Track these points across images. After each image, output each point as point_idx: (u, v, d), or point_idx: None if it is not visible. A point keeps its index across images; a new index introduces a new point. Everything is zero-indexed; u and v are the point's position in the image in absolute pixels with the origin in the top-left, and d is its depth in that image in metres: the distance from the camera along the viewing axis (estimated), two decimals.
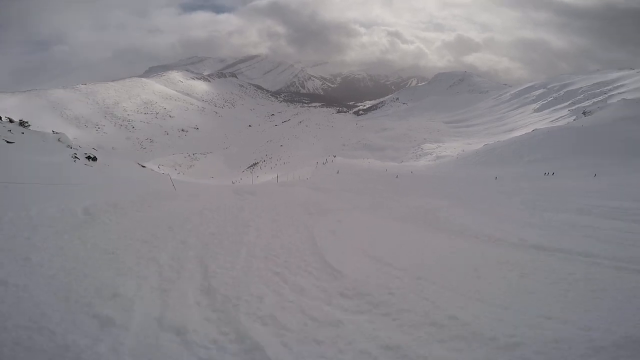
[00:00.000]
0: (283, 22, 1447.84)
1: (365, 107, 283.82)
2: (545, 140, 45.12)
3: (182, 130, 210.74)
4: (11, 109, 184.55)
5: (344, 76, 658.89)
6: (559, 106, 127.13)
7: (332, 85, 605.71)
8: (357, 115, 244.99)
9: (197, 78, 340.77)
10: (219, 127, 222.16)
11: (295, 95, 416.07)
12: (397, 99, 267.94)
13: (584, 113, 77.92)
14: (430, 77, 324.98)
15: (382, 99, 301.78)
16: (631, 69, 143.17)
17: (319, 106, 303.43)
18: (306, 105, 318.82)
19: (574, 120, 75.66)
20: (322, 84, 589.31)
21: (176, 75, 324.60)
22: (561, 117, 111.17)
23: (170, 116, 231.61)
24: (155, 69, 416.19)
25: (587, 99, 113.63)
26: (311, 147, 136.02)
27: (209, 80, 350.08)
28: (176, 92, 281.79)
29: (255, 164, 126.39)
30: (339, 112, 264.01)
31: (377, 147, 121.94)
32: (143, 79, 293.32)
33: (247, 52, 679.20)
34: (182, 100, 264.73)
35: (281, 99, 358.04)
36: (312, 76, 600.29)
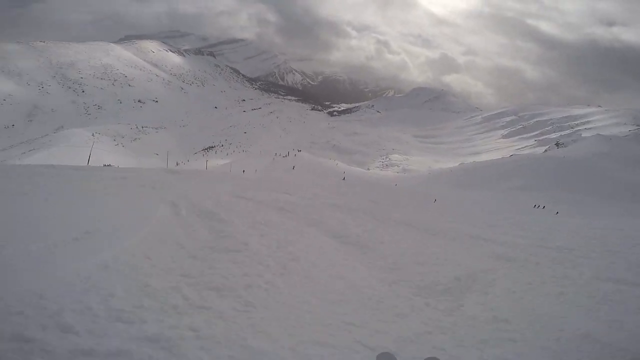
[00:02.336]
0: (276, 10, 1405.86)
1: (340, 109, 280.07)
2: (525, 167, 42.27)
3: (139, 101, 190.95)
4: None
5: (325, 75, 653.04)
6: (526, 135, 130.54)
7: (312, 83, 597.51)
8: (331, 116, 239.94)
9: (171, 51, 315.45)
10: (181, 104, 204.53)
11: (272, 85, 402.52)
12: (373, 106, 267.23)
13: (557, 145, 78.07)
14: (407, 91, 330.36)
15: (357, 104, 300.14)
16: (599, 106, 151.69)
17: (295, 100, 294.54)
18: (281, 97, 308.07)
19: (545, 151, 75.30)
20: (302, 79, 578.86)
21: (149, 45, 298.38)
22: (527, 146, 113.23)
23: (129, 85, 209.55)
24: (131, 38, 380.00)
25: (555, 131, 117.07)
26: (277, 140, 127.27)
27: (184, 55, 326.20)
28: (144, 61, 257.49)
29: (211, 147, 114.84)
30: (313, 109, 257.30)
31: (346, 150, 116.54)
32: (111, 44, 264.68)
33: (233, 34, 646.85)
34: (148, 71, 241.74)
35: (256, 86, 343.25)
36: (294, 70, 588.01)
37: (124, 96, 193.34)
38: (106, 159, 70.86)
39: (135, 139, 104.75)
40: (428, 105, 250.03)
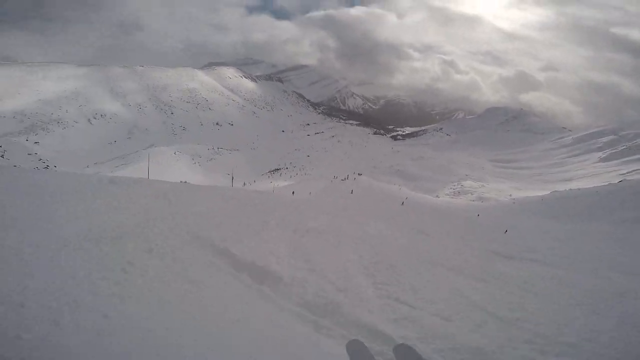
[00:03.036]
0: (335, 35, 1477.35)
1: (404, 133, 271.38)
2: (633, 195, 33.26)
3: (217, 123, 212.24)
4: (74, 78, 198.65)
5: (387, 99, 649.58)
6: (631, 157, 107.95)
7: (374, 107, 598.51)
8: (395, 140, 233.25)
9: (245, 77, 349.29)
10: (253, 127, 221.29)
11: (334, 110, 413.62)
12: (441, 129, 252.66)
13: None
14: (480, 112, 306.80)
15: (424, 127, 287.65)
16: None
17: (356, 124, 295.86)
18: (343, 121, 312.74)
19: None
20: (363, 104, 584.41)
21: (227, 71, 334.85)
22: (635, 170, 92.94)
23: (209, 108, 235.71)
24: (212, 64, 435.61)
25: None
26: (339, 163, 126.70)
27: (256, 81, 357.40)
28: (222, 86, 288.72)
29: (277, 169, 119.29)
30: (375, 133, 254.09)
31: (411, 176, 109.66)
32: (196, 69, 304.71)
33: (297, 60, 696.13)
34: (225, 96, 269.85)
35: (320, 111, 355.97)
36: (355, 94, 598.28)
37: (205, 119, 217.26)
38: (184, 176, 77.37)
39: (211, 159, 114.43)
40: (505, 127, 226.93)
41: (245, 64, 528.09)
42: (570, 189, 52.82)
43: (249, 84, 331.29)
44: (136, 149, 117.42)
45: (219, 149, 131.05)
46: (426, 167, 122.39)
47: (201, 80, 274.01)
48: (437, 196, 79.22)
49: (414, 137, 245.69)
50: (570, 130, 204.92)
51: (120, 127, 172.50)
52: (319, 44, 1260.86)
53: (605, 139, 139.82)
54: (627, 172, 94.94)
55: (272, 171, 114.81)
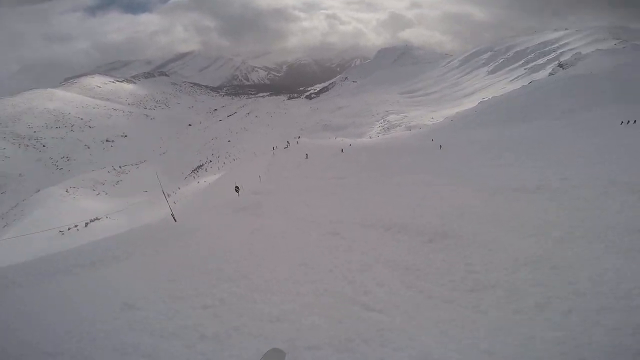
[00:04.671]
0: (211, 14, 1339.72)
1: (316, 91, 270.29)
2: (558, 89, 37.63)
3: (107, 140, 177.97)
4: None
5: (289, 64, 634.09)
6: (512, 66, 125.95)
7: (279, 74, 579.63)
8: (310, 99, 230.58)
9: (117, 81, 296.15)
10: (152, 132, 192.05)
11: (240, 87, 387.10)
12: (346, 78, 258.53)
13: (560, 66, 72.63)
14: (372, 56, 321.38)
15: (331, 81, 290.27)
16: (566, 29, 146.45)
17: (268, 95, 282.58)
18: (253, 96, 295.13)
19: (550, 74, 70.06)
20: (267, 74, 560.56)
21: (91, 81, 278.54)
22: (520, 75, 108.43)
23: (89, 127, 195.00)
24: (72, 80, 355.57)
25: (540, 57, 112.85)
26: (265, 137, 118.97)
27: (134, 82, 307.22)
28: (93, 99, 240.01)
29: (200, 166, 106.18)
30: (290, 98, 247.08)
31: (338, 126, 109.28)
32: (49, 88, 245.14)
33: (176, 50, 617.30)
34: (103, 107, 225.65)
35: (223, 93, 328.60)
36: (256, 67, 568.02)
37: (89, 140, 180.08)
38: (88, 214, 61.50)
39: (118, 181, 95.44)
40: (398, 63, 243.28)
41: (112, 68, 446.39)
42: (493, 97, 56.91)
43: (126, 87, 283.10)
44: (16, 203, 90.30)
45: (122, 167, 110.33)
46: (348, 115, 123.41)
47: (63, 99, 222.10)
48: (370, 137, 79.85)
49: (325, 92, 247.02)
50: (451, 56, 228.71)
51: None
52: (196, 27, 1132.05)
53: (485, 56, 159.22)
54: (514, 79, 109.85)
55: (195, 170, 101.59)
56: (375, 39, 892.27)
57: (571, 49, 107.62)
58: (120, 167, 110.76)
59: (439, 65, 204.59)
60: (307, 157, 27.03)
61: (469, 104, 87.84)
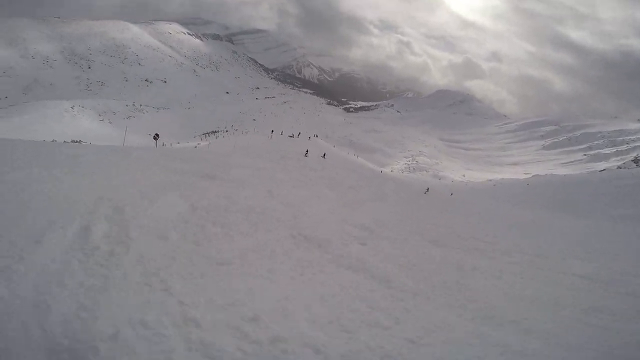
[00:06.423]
0: (297, 1, 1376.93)
1: (357, 106, 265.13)
2: (630, 188, 28.42)
3: (146, 80, 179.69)
4: None
5: (343, 72, 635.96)
6: (572, 148, 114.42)
7: (329, 79, 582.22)
8: (347, 112, 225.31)
9: (189, 34, 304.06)
10: (191, 86, 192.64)
11: (289, 77, 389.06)
12: (392, 105, 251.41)
13: (636, 162, 62.64)
14: (428, 93, 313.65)
15: (376, 103, 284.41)
16: None
17: (310, 93, 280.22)
18: (297, 89, 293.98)
19: (619, 167, 60.26)
20: (319, 74, 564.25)
21: (168, 27, 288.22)
22: (577, 160, 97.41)
23: (139, 64, 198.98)
24: (155, 21, 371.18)
25: (608, 146, 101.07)
26: (288, 129, 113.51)
27: (201, 40, 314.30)
28: (159, 42, 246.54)
29: (214, 132, 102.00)
30: (329, 103, 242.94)
31: (365, 148, 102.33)
32: (127, 23, 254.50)
33: (254, 24, 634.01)
34: (161, 51, 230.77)
35: (272, 76, 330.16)
36: (312, 64, 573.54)
37: (132, 75, 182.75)
38: (81, 135, 59.36)
39: (130, 116, 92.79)
40: (452, 109, 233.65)
41: (193, 23, 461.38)
42: (553, 174, 48.69)
43: (193, 41, 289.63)
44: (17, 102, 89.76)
45: (142, 106, 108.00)
46: (379, 140, 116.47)
47: (133, 34, 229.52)
48: (391, 170, 72.77)
49: (366, 110, 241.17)
50: (508, 117, 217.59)
51: (15, 82, 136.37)
52: (279, 9, 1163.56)
53: (547, 129, 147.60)
54: (570, 162, 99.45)
55: (207, 133, 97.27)
56: (438, 78, 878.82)
57: None
58: (140, 105, 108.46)
59: (492, 124, 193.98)
60: (306, 155, 20.49)
61: (511, 173, 78.92)
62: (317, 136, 58.21)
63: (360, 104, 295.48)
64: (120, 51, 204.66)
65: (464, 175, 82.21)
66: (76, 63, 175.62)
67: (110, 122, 78.50)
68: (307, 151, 22.11)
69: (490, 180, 49.92)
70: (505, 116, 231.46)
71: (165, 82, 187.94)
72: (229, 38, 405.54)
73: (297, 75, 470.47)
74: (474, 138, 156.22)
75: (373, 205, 9.61)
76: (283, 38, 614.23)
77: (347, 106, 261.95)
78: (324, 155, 23.07)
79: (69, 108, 68.92)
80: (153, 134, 15.38)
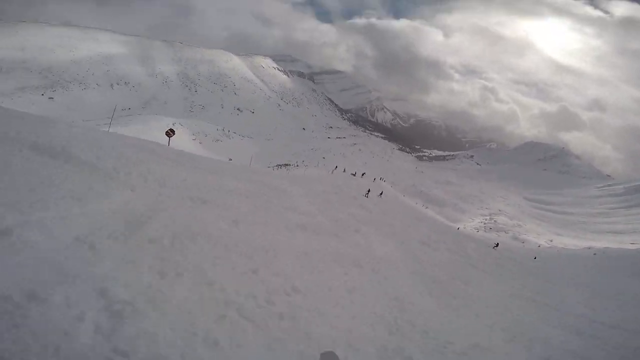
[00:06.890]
0: (374, 44, 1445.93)
1: (431, 155, 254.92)
2: None
3: (237, 109, 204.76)
4: (112, 44, 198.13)
5: (419, 118, 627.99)
6: None
7: (403, 124, 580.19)
8: (420, 160, 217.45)
9: (279, 69, 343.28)
10: (274, 119, 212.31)
11: (362, 119, 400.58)
12: (472, 156, 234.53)
13: None
14: (514, 145, 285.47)
15: (453, 153, 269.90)
16: None
17: (382, 137, 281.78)
18: (369, 132, 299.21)
19: None
20: (392, 119, 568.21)
21: (262, 61, 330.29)
22: None
23: (235, 93, 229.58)
24: (252, 54, 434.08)
25: None
26: (353, 167, 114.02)
27: (288, 76, 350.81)
28: (254, 74, 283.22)
29: (287, 165, 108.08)
30: (400, 149, 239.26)
31: (436, 200, 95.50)
32: (231, 54, 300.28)
33: (333, 65, 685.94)
34: (254, 84, 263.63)
35: (346, 117, 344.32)
36: (386, 108, 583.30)
37: (227, 102, 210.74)
38: (175, 147, 67.63)
39: (218, 140, 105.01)
40: (542, 165, 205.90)
41: (283, 59, 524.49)
42: None
43: (281, 77, 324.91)
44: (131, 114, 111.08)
45: (229, 132, 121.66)
46: (453, 194, 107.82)
47: (234, 65, 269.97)
48: (464, 227, 65.73)
49: (441, 160, 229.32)
50: (613, 178, 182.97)
51: (139, 96, 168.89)
52: (356, 51, 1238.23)
53: None
54: None
55: (281, 166, 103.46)
56: (526, 129, 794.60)
57: None
58: (228, 131, 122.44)
59: (593, 185, 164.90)
60: (367, 194, 19.61)
61: (613, 242, 63.92)
62: (382, 179, 56.45)
63: (435, 152, 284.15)
64: (222, 79, 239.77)
65: (551, 240, 69.78)
66: (187, 86, 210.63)
67: (200, 143, 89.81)
68: (368, 191, 21.04)
69: (589, 248, 40.53)
70: (609, 176, 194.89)
71: (253, 112, 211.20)
72: (311, 76, 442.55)
73: (370, 119, 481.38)
74: (567, 200, 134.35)
75: (464, 275, 7.87)
76: (359, 80, 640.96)
77: (421, 154, 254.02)
78: (381, 193, 22.61)
79: (170, 124, 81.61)
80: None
